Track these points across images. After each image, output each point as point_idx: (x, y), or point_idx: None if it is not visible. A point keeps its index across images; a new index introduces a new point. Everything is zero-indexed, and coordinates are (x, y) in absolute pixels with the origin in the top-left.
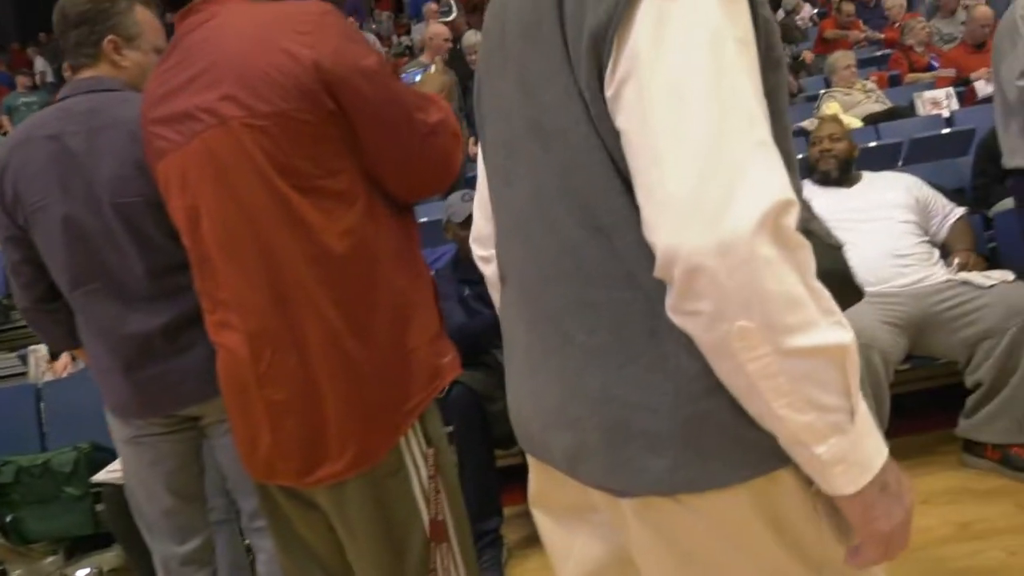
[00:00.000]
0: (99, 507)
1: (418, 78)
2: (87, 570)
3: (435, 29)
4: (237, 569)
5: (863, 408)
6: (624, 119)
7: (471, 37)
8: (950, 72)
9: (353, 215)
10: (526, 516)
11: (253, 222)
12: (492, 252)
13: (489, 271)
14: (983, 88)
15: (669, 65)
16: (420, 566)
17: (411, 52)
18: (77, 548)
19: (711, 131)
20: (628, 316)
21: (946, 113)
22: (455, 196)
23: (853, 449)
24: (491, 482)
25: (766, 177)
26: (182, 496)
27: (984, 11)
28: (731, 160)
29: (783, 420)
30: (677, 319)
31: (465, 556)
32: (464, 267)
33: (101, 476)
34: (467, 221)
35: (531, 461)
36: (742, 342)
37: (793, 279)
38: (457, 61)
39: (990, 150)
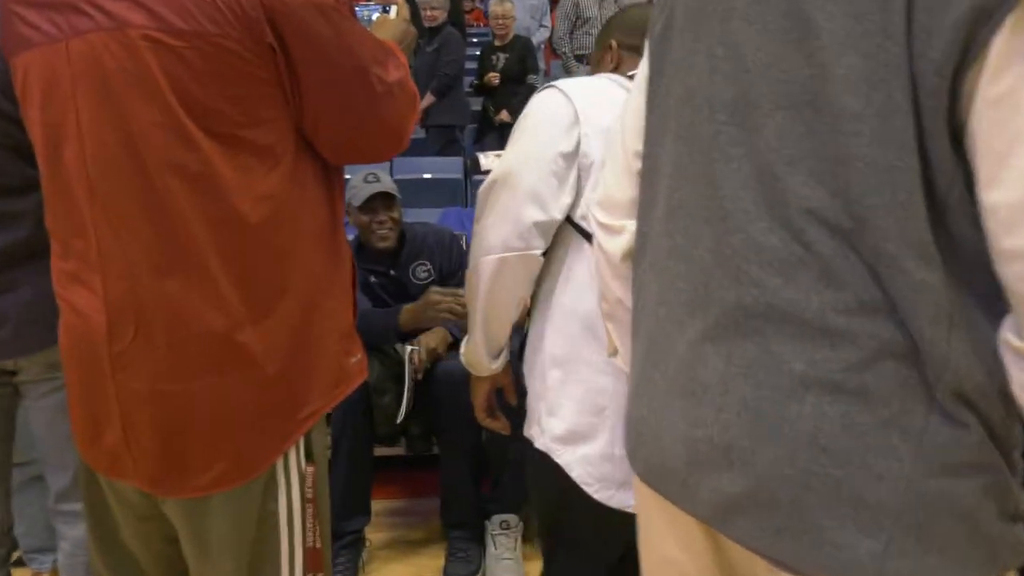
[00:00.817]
0: None
1: (375, 16)
2: None
3: None
4: (54, 535)
5: None
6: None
7: None
8: None
9: (275, 177)
10: (396, 514)
11: (142, 165)
12: (623, 223)
13: (613, 245)
14: None
15: None
16: None
17: None
18: None
19: None
20: (876, 356)
21: None
22: (357, 177)
23: None
24: (364, 480)
25: None
26: None
27: None
28: None
29: None
30: None
31: None
32: (366, 254)
33: None
34: (366, 204)
35: (644, 493)
36: None
37: None
38: (411, 14)
39: None
